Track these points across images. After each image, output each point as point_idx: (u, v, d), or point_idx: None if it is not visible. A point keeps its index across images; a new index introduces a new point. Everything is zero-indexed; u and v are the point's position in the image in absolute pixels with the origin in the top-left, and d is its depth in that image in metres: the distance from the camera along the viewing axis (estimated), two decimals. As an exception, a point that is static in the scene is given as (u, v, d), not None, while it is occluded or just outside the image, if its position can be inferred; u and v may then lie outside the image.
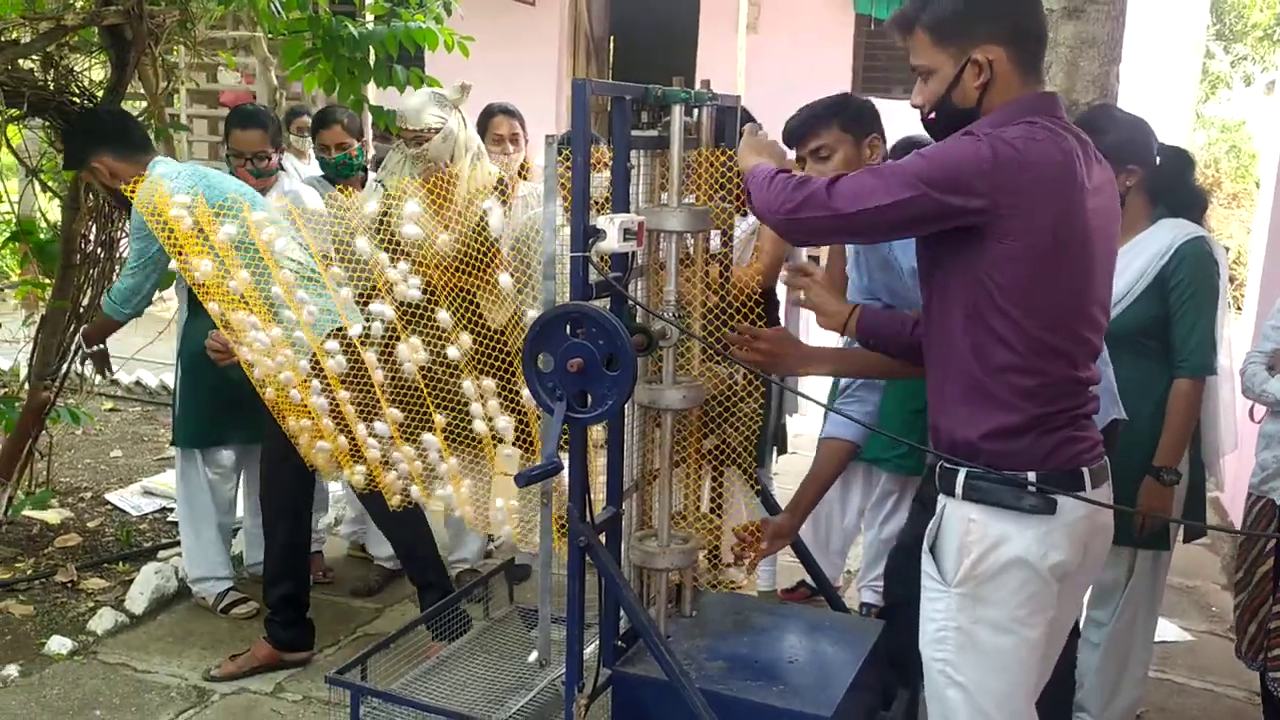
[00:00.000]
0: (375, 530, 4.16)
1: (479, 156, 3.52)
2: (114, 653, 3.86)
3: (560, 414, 2.26)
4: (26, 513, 4.82)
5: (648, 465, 2.66)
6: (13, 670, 3.67)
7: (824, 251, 3.50)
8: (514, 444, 3.11)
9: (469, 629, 3.19)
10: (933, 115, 2.18)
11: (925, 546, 2.21)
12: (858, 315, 2.49)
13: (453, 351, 3.03)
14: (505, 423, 3.05)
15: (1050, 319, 2.08)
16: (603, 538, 2.43)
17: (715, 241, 2.68)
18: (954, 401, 2.17)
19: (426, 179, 3.22)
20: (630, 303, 2.41)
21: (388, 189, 3.29)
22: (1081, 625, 3.47)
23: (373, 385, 3.10)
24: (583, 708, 2.40)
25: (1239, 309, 6.56)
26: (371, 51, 4.19)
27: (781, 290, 3.98)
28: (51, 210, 5.08)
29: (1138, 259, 3.09)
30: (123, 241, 4.63)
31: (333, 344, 3.12)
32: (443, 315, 3.01)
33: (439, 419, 3.09)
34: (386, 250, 3.05)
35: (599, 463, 2.59)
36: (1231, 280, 3.58)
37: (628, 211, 2.39)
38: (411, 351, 3.04)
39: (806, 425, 5.19)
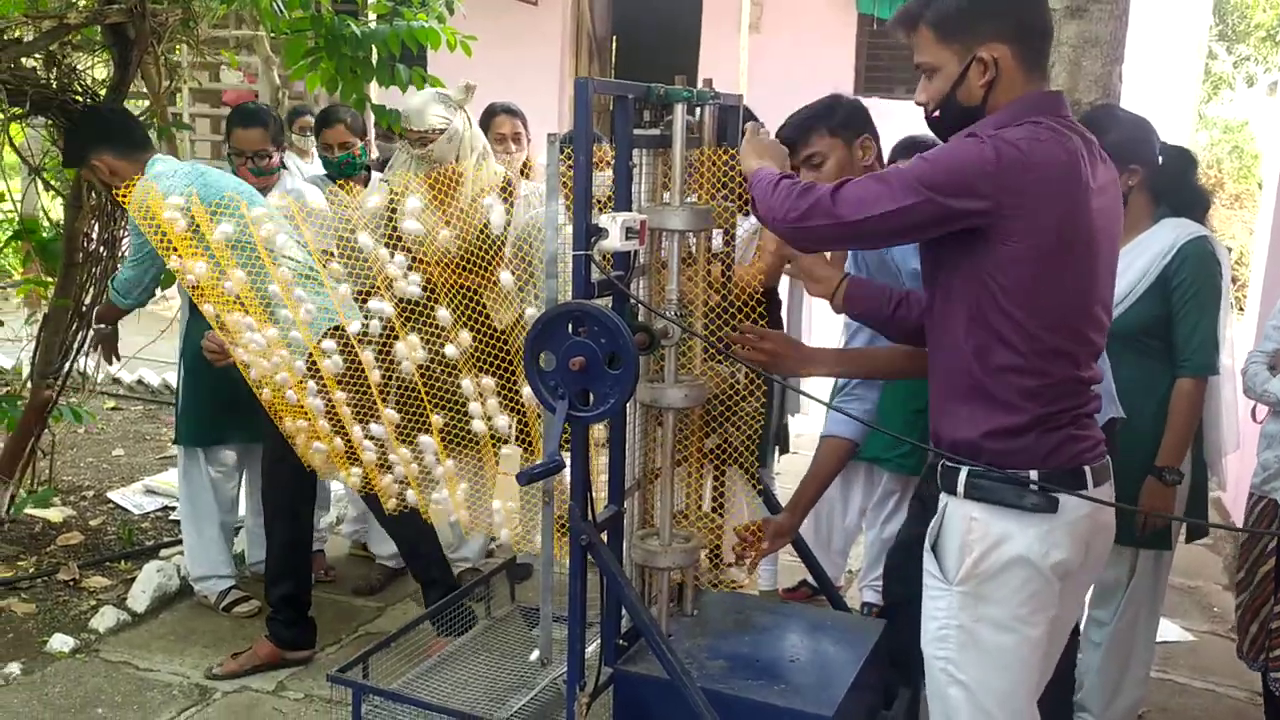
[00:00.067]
0: (377, 529, 4.17)
1: (484, 156, 3.52)
2: (116, 651, 3.87)
3: (562, 412, 2.26)
4: (29, 511, 4.83)
5: (649, 464, 2.66)
6: (15, 668, 3.68)
7: None
8: (513, 443, 3.11)
9: (473, 625, 3.20)
10: (937, 113, 2.18)
11: (927, 545, 2.21)
12: (845, 285, 2.49)
13: (451, 350, 3.02)
14: (504, 422, 3.05)
15: (1053, 319, 2.08)
16: (604, 536, 2.43)
17: (717, 240, 2.68)
18: (956, 401, 2.17)
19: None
20: (632, 301, 2.41)
21: (392, 186, 3.29)
22: (1083, 625, 3.46)
23: (370, 386, 3.10)
24: (584, 706, 2.40)
25: (1241, 309, 6.56)
26: (374, 51, 4.19)
27: (783, 290, 3.98)
28: (54, 209, 5.08)
29: (1140, 258, 3.09)
30: (124, 240, 4.64)
31: (329, 343, 3.11)
32: (442, 313, 3.01)
33: (436, 419, 3.09)
34: (388, 245, 3.05)
35: (600, 461, 2.59)
36: (1234, 281, 3.58)
37: (630, 210, 2.39)
38: (410, 350, 3.04)
39: (808, 425, 5.18)
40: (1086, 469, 2.14)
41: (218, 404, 4.00)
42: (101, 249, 4.60)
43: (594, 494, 2.40)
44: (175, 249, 3.15)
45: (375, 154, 5.17)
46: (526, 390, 2.92)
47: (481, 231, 3.02)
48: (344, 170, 4.38)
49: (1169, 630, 4.26)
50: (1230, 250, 3.80)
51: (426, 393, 3.08)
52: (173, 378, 5.86)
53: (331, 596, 4.31)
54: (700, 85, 2.56)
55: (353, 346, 3.09)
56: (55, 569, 4.41)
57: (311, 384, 3.16)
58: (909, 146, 4.12)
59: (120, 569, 4.48)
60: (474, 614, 3.26)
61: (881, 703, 2.70)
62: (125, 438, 6.30)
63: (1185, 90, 9.03)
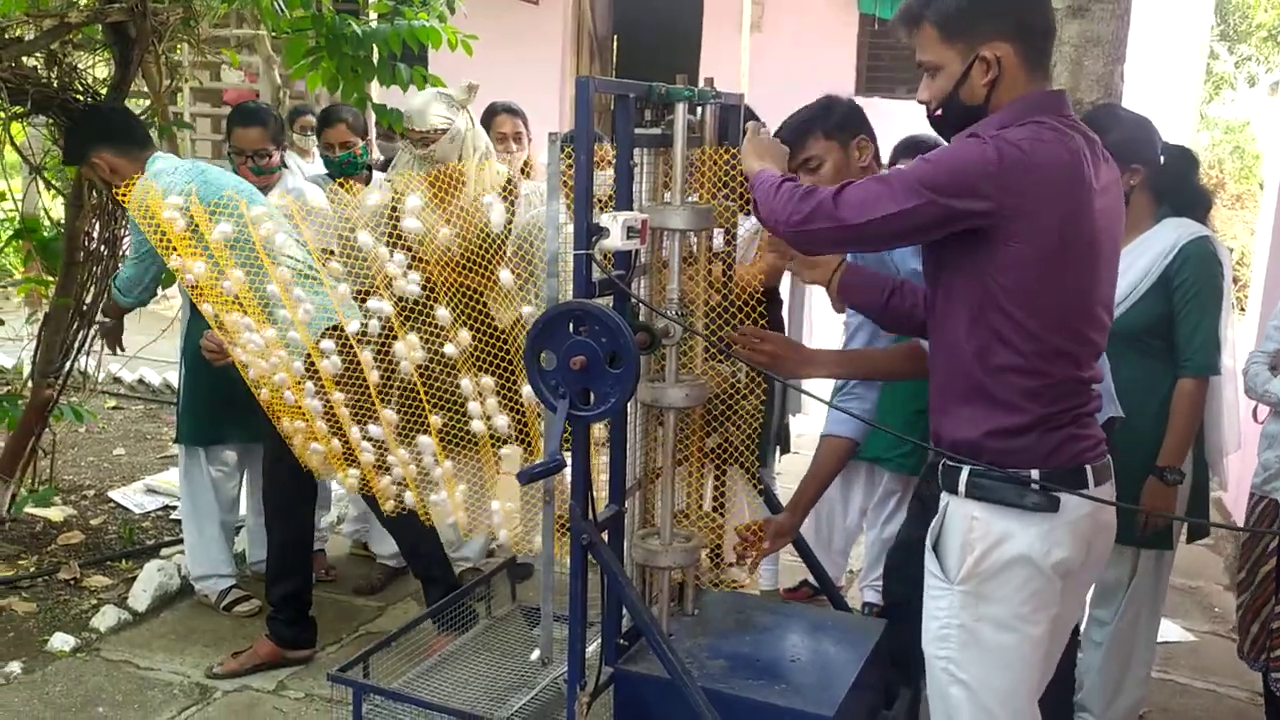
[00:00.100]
0: (378, 528, 4.17)
1: (487, 156, 3.51)
2: (117, 650, 3.87)
3: (563, 412, 2.26)
4: (29, 510, 4.83)
5: (650, 463, 2.66)
6: (16, 667, 3.68)
7: None
8: (513, 443, 3.11)
9: (474, 622, 3.20)
10: (939, 112, 2.18)
11: (928, 544, 2.21)
12: (841, 271, 2.49)
13: (450, 349, 3.02)
14: (504, 422, 3.05)
15: (1055, 319, 2.08)
16: (605, 536, 2.43)
17: (718, 240, 2.68)
18: (957, 401, 2.17)
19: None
20: (633, 301, 2.41)
21: (395, 186, 3.29)
22: (1084, 625, 3.46)
23: (368, 386, 3.09)
24: (585, 706, 2.40)
25: (1242, 310, 6.55)
26: (375, 50, 4.19)
27: (785, 289, 3.98)
28: (55, 208, 5.08)
29: (1141, 258, 3.09)
30: (125, 239, 4.64)
31: (328, 344, 3.11)
32: (441, 312, 3.00)
33: (435, 420, 3.08)
34: (390, 245, 3.04)
35: (601, 460, 2.59)
36: (1235, 281, 3.57)
37: (631, 209, 2.39)
38: (409, 349, 3.03)
39: (810, 425, 5.18)
40: (1088, 468, 2.14)
41: (219, 403, 4.00)
42: (102, 248, 4.60)
43: (595, 493, 2.40)
44: (174, 249, 3.15)
45: (376, 153, 5.17)
46: (526, 389, 2.92)
47: (483, 231, 3.01)
48: (345, 170, 4.38)
49: (1170, 630, 4.25)
50: (1231, 250, 3.79)
51: (425, 393, 3.07)
52: (173, 377, 5.86)
53: (332, 596, 4.31)
54: (701, 85, 2.56)
55: (351, 347, 3.08)
56: (56, 568, 4.41)
57: (309, 385, 3.15)
58: (910, 146, 4.12)
59: (121, 568, 4.48)
60: (475, 612, 3.26)
61: (882, 703, 2.70)
62: (126, 437, 6.30)
63: (1187, 90, 9.02)
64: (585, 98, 2.25)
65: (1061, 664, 2.35)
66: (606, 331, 2.21)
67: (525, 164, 4.18)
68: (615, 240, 2.25)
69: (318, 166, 4.89)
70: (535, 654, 2.61)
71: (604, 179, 2.41)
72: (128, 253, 4.19)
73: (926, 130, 2.82)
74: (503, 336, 3.05)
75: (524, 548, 3.10)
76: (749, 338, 2.59)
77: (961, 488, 2.14)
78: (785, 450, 4.34)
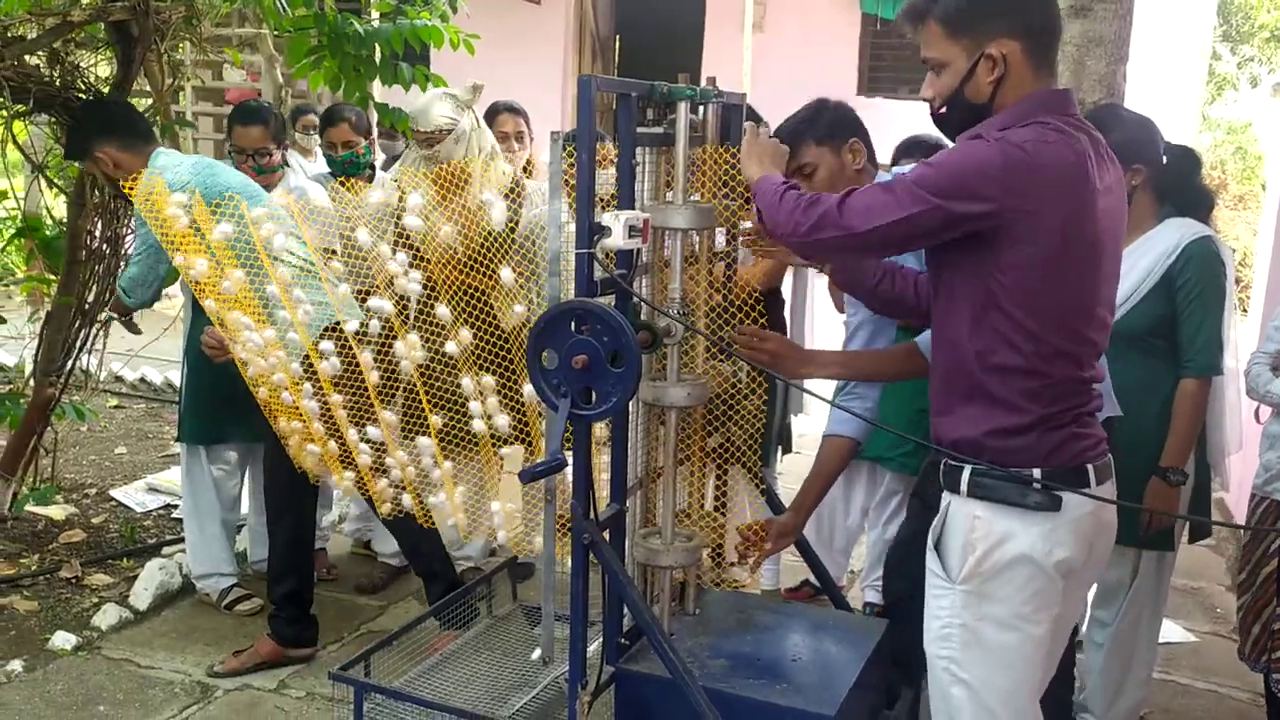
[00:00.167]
0: (381, 527, 4.17)
1: (492, 156, 3.51)
2: (118, 648, 3.87)
3: (564, 410, 2.26)
4: (31, 509, 4.84)
5: (652, 462, 2.66)
6: (17, 665, 3.68)
7: None
8: (513, 443, 3.10)
9: (476, 618, 3.20)
10: (943, 110, 2.17)
11: (930, 544, 2.21)
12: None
13: (451, 347, 3.02)
14: (504, 421, 3.05)
15: (1057, 319, 2.08)
16: (607, 535, 2.43)
17: (720, 239, 2.68)
18: (958, 401, 2.17)
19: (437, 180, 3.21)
20: (635, 300, 2.41)
21: (400, 185, 3.29)
22: (1085, 625, 3.47)
23: (367, 388, 3.09)
24: (586, 705, 2.40)
25: (1244, 311, 6.55)
26: (377, 49, 4.19)
27: (786, 289, 3.98)
28: (57, 206, 5.09)
29: (1144, 258, 3.09)
30: (128, 238, 4.64)
31: (327, 344, 3.10)
32: (442, 310, 3.00)
33: (435, 420, 3.08)
34: (396, 242, 3.04)
35: (603, 460, 2.59)
36: (1237, 282, 3.56)
37: (633, 209, 2.39)
38: (409, 349, 3.03)
39: (811, 425, 5.18)
40: (1089, 467, 2.13)
41: (221, 402, 4.00)
42: (104, 247, 4.61)
43: (596, 492, 2.40)
44: (179, 246, 3.14)
45: (379, 153, 5.16)
46: (528, 388, 2.92)
47: (486, 231, 3.01)
48: (348, 170, 4.38)
49: (1171, 631, 4.25)
50: (1234, 251, 3.78)
51: (426, 393, 3.07)
52: (175, 376, 5.86)
53: (333, 595, 4.31)
54: (703, 84, 2.56)
55: (351, 347, 3.08)
56: (57, 566, 4.41)
57: (307, 386, 3.15)
58: (912, 146, 4.12)
59: (122, 567, 4.48)
60: (476, 610, 3.26)
61: (884, 702, 2.70)
62: (128, 436, 6.30)
63: (1189, 91, 9.01)
64: (587, 97, 2.25)
65: (1061, 662, 2.34)
66: (608, 330, 2.21)
67: (527, 163, 4.18)
68: (617, 239, 2.25)
69: (320, 165, 4.89)
70: (536, 653, 2.61)
71: (606, 178, 2.41)
72: (130, 252, 4.19)
73: (928, 130, 2.82)
74: (504, 336, 3.04)
75: (525, 548, 3.10)
76: (749, 337, 2.59)
77: (963, 487, 2.14)
78: (787, 450, 4.34)
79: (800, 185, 2.28)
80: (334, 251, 3.09)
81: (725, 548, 2.84)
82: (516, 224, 3.13)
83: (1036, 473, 2.10)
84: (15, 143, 4.52)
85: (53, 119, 4.38)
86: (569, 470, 2.34)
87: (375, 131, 4.73)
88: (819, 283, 4.08)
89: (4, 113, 4.27)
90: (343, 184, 3.08)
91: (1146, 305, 3.08)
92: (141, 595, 4.16)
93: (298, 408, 3.17)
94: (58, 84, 4.24)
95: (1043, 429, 2.11)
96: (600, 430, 2.58)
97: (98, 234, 4.60)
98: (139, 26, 4.16)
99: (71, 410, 4.76)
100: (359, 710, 2.75)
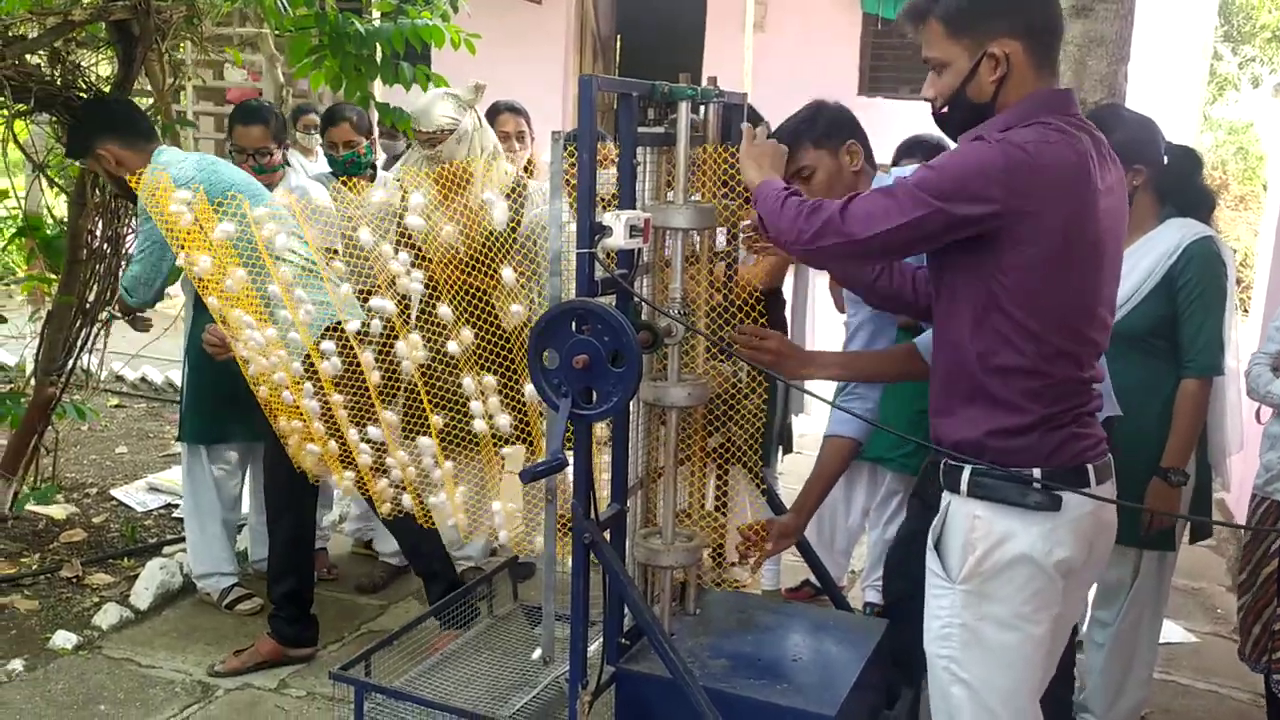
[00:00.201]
0: (382, 527, 4.17)
1: (495, 156, 3.50)
2: (119, 648, 3.87)
3: (565, 410, 2.26)
4: (32, 508, 4.84)
5: (652, 462, 2.66)
6: (18, 665, 3.68)
7: None
8: (515, 443, 3.10)
9: (476, 618, 3.20)
10: (945, 109, 2.17)
11: (930, 544, 2.21)
12: None
13: (453, 347, 3.02)
14: (506, 421, 3.05)
15: (1058, 320, 2.08)
16: (607, 535, 2.43)
17: (721, 239, 2.68)
18: (959, 401, 2.17)
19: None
20: (636, 299, 2.41)
21: (402, 183, 3.29)
22: (1086, 626, 3.46)
23: (368, 388, 3.09)
24: (586, 705, 2.40)
25: (1245, 311, 6.54)
26: (378, 48, 4.18)
27: (787, 289, 3.98)
28: (58, 206, 5.09)
29: (1145, 258, 3.09)
30: (129, 237, 4.64)
31: (328, 344, 3.10)
32: (444, 310, 3.00)
33: (436, 420, 3.08)
34: (398, 242, 3.04)
35: (603, 459, 2.59)
36: (1238, 282, 3.56)
37: (634, 208, 2.39)
38: (411, 349, 3.03)
39: (812, 425, 5.18)
40: (1089, 467, 2.13)
41: (222, 402, 4.00)
42: (105, 246, 4.61)
43: (597, 492, 2.40)
44: (183, 243, 3.14)
45: (380, 152, 5.16)
46: (529, 388, 2.92)
47: (487, 230, 3.01)
48: (349, 169, 4.38)
49: (1172, 631, 4.25)
50: (1235, 252, 3.78)
51: (427, 392, 3.07)
52: (176, 375, 5.86)
53: (334, 594, 4.31)
54: (704, 84, 2.56)
55: (352, 347, 3.08)
56: (58, 566, 4.41)
57: (308, 385, 3.15)
58: (913, 146, 4.12)
59: (123, 566, 4.48)
60: (477, 610, 3.26)
61: (884, 702, 2.70)
62: (128, 435, 6.30)
63: (1190, 91, 9.02)
64: (588, 96, 2.25)
65: (1061, 661, 2.34)
66: (609, 330, 2.21)
67: (528, 163, 4.18)
68: (618, 239, 2.25)
69: (321, 165, 4.89)
70: (537, 653, 2.61)
71: (607, 178, 2.41)
72: (132, 250, 4.18)
73: (930, 130, 2.82)
74: (505, 336, 3.04)
75: (526, 548, 3.10)
76: (750, 337, 2.59)
77: (963, 487, 2.14)
78: (788, 450, 4.34)
79: (800, 189, 2.28)
80: (335, 251, 3.09)
81: (726, 548, 2.84)
82: (518, 224, 3.13)
83: (1036, 472, 2.09)
84: (16, 142, 4.52)
85: (54, 118, 4.38)
86: (570, 470, 2.34)
87: (376, 131, 4.72)
88: (820, 282, 4.08)
89: (5, 112, 4.27)
90: (345, 184, 3.08)
91: (1148, 306, 3.08)
92: (142, 595, 4.16)
93: (298, 407, 3.17)
94: (59, 83, 4.25)
95: (1044, 429, 2.11)
96: (601, 430, 2.58)
97: (98, 233, 4.60)
98: (140, 26, 4.16)
99: (72, 409, 4.76)
100: (359, 710, 2.75)
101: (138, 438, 6.26)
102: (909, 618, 2.36)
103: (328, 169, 4.58)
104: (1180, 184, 3.17)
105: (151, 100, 4.62)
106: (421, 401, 3.06)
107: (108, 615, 4.02)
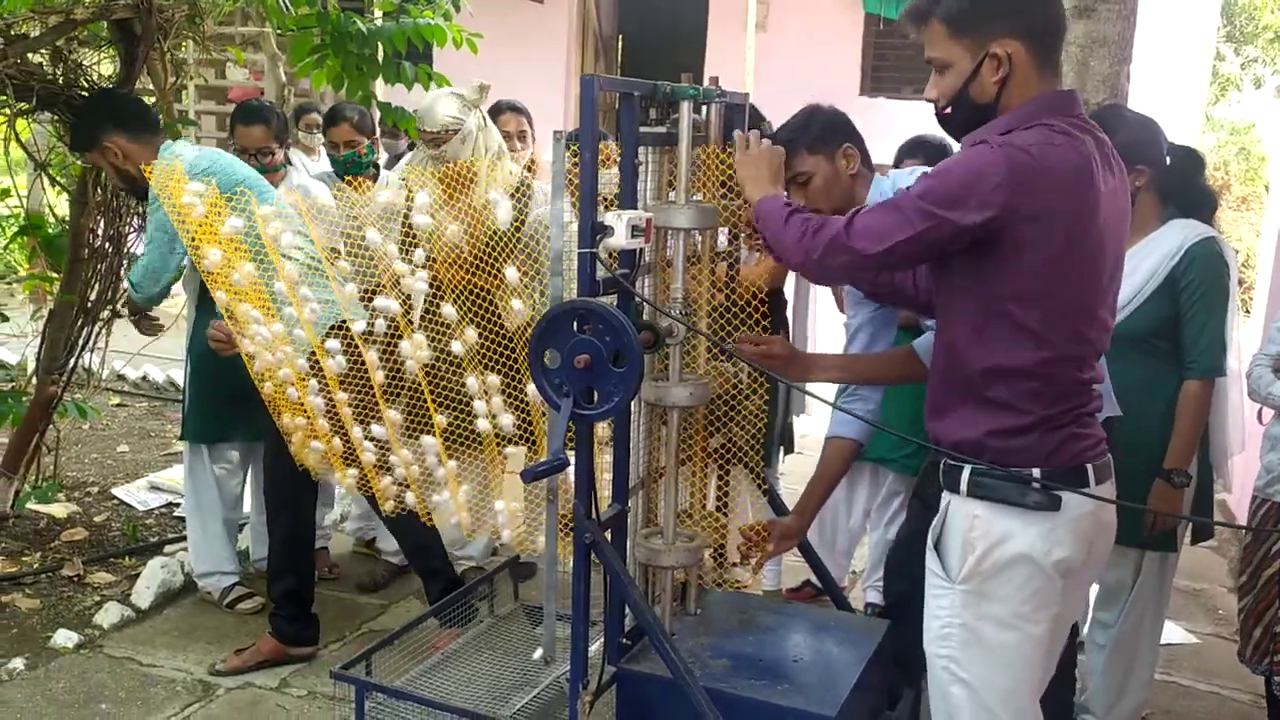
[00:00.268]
0: (384, 526, 4.17)
1: (499, 156, 3.50)
2: (120, 647, 3.87)
3: (566, 410, 2.26)
4: (33, 506, 4.84)
5: (654, 463, 2.66)
6: (19, 663, 3.68)
7: None
8: (518, 442, 3.11)
9: (472, 617, 3.20)
10: (948, 110, 2.16)
11: (930, 543, 2.21)
12: None
13: (457, 346, 3.02)
14: (509, 421, 3.05)
15: (1059, 322, 2.08)
16: (608, 535, 2.43)
17: (723, 239, 2.68)
18: (959, 402, 2.17)
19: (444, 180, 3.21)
20: (637, 299, 2.41)
21: (406, 182, 3.28)
22: (1088, 626, 3.46)
23: (372, 386, 3.09)
24: (587, 705, 2.40)
25: (1247, 312, 6.54)
26: (380, 48, 4.19)
27: (789, 289, 3.98)
28: (60, 205, 5.09)
29: (1148, 259, 3.08)
30: (130, 236, 4.64)
31: (333, 343, 3.10)
32: (448, 310, 3.00)
33: (440, 420, 3.08)
34: (404, 241, 3.04)
35: (605, 459, 2.58)
36: (1240, 283, 3.56)
37: (636, 208, 2.39)
38: (415, 349, 3.03)
39: (813, 425, 5.18)
40: (1088, 467, 2.13)
41: (224, 401, 4.00)
42: (107, 245, 4.61)
43: (598, 492, 2.40)
44: (195, 235, 3.13)
45: (382, 152, 5.17)
46: (532, 388, 2.92)
47: (491, 230, 3.01)
48: (349, 169, 4.39)
49: (1173, 632, 4.25)
50: (1237, 252, 3.78)
51: (430, 392, 3.07)
52: (177, 374, 5.86)
53: (335, 594, 4.31)
54: (706, 84, 2.56)
55: (357, 346, 3.08)
56: (59, 565, 4.41)
57: (313, 382, 3.15)
58: (915, 146, 4.11)
59: (124, 565, 4.48)
60: (477, 610, 3.26)
61: (885, 703, 2.70)
62: (130, 434, 6.30)
63: (1193, 91, 9.01)
64: (590, 96, 2.25)
65: (1062, 661, 2.34)
66: (610, 330, 2.21)
67: (530, 162, 4.18)
68: (620, 239, 2.25)
69: (323, 164, 4.90)
70: (538, 653, 2.61)
71: (609, 178, 2.41)
72: (136, 247, 4.18)
73: (931, 130, 2.81)
74: (508, 335, 3.04)
75: (528, 547, 3.10)
76: (749, 347, 2.59)
77: (963, 487, 2.14)
78: (789, 450, 4.34)
79: (795, 194, 2.28)
80: (337, 251, 3.08)
81: (727, 548, 2.84)
82: (523, 223, 3.13)
83: (1036, 473, 2.09)
84: (18, 140, 4.52)
85: (55, 117, 4.39)
86: (571, 470, 2.34)
87: (378, 131, 4.72)
88: (821, 283, 4.08)
89: (7, 110, 4.27)
90: (349, 184, 3.08)
91: (1150, 307, 3.08)
92: (143, 593, 4.16)
93: (303, 404, 3.17)
94: (61, 82, 4.25)
95: (1043, 429, 2.11)
96: (602, 430, 2.58)
97: (100, 232, 4.61)
98: (142, 25, 4.16)
99: (74, 408, 4.77)
100: (360, 709, 2.75)
101: (139, 436, 6.26)
102: (910, 618, 2.36)
103: (330, 168, 4.59)
104: (1182, 185, 3.16)
105: (153, 99, 4.62)
106: (425, 401, 3.06)
107: (109, 614, 4.02)
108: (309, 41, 4.20)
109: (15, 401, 4.66)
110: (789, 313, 4.08)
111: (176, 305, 4.56)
